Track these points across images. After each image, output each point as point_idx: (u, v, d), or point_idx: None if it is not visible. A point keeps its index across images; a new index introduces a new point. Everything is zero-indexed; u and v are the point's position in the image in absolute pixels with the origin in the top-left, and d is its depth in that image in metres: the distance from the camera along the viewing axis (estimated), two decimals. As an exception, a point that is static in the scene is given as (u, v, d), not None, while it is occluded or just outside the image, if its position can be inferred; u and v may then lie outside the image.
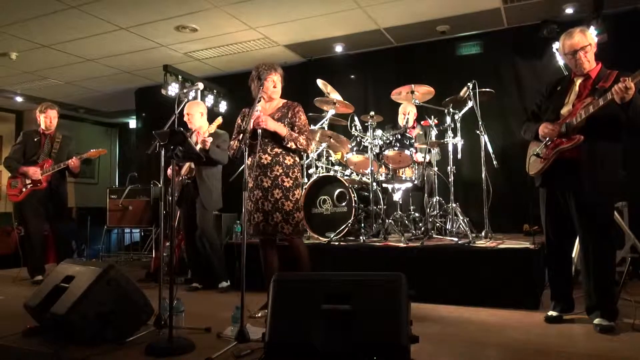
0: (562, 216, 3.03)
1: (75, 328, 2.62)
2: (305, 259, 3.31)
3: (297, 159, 3.33)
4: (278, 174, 3.21)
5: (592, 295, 2.90)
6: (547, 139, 2.98)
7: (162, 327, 2.83)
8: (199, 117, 4.40)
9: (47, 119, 5.01)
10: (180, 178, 4.27)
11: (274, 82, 3.27)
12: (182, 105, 3.96)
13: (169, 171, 4.14)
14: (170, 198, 3.03)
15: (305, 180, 4.79)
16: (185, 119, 4.34)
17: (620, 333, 2.77)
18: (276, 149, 3.23)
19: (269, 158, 3.23)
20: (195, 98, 6.18)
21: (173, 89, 5.96)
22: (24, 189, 4.88)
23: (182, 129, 2.78)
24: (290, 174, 3.24)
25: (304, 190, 4.62)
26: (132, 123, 9.81)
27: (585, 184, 2.83)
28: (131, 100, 8.22)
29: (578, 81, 3.00)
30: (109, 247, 7.55)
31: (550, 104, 3.08)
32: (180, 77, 6.17)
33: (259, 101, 3.11)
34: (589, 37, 2.94)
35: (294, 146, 3.20)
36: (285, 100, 3.40)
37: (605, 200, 2.88)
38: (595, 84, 2.87)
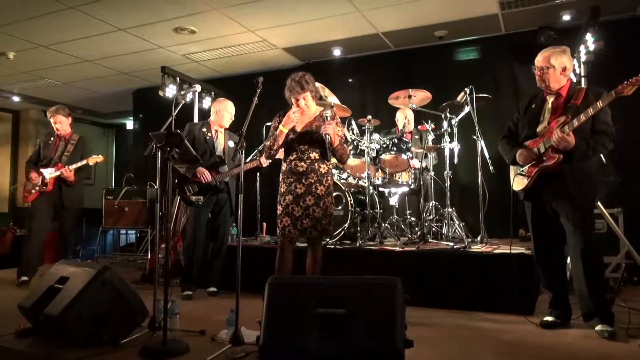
0: (550, 224, 3.12)
1: (69, 329, 2.61)
2: (319, 264, 3.35)
3: (330, 166, 3.35)
4: (312, 181, 3.23)
5: (587, 301, 2.94)
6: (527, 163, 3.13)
7: (157, 329, 2.83)
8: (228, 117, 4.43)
9: (57, 123, 4.99)
10: (216, 182, 4.24)
11: (305, 100, 3.27)
12: (178, 107, 3.98)
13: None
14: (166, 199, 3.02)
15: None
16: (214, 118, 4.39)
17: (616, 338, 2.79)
18: (312, 157, 3.26)
19: (305, 166, 3.25)
20: (192, 100, 6.19)
21: (171, 91, 5.96)
22: (33, 191, 4.89)
23: (178, 130, 2.78)
24: (324, 181, 3.26)
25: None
26: (129, 124, 9.80)
27: (567, 195, 2.94)
28: (128, 102, 8.22)
29: (550, 99, 3.11)
30: (104, 248, 7.53)
31: (526, 122, 3.20)
32: (178, 78, 6.16)
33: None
34: (555, 59, 3.02)
35: (338, 154, 3.29)
36: (323, 108, 3.42)
37: (588, 207, 3.00)
38: (567, 101, 3.00)
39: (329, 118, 3.21)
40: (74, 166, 4.89)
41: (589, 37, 4.63)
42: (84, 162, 4.95)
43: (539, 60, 3.08)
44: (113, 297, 2.74)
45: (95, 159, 5.04)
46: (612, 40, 4.70)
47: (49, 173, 4.86)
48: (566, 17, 5.16)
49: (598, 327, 2.86)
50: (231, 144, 4.41)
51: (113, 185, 9.49)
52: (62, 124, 5.00)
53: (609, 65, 4.53)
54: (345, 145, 3.35)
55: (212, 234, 4.38)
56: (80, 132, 5.36)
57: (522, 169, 3.15)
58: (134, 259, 6.99)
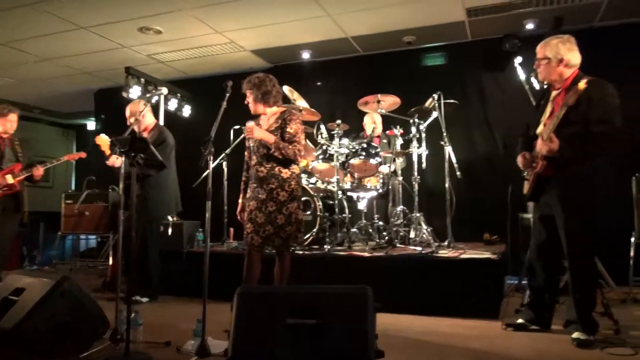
0: (549, 229, 3.01)
1: (25, 344, 2.47)
2: (288, 274, 3.27)
3: (294, 171, 3.26)
4: (274, 187, 3.16)
5: (572, 308, 2.89)
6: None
7: (119, 342, 2.72)
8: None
9: (9, 122, 4.71)
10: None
11: (247, 99, 3.28)
12: (144, 109, 3.86)
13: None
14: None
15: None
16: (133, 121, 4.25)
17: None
18: (272, 162, 3.19)
19: (265, 171, 3.19)
20: (158, 102, 6.04)
21: (135, 92, 5.78)
22: None
23: (144, 135, 2.69)
24: (286, 187, 3.18)
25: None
26: (91, 125, 9.50)
27: (559, 200, 2.86)
28: (90, 102, 7.95)
29: (553, 94, 2.97)
30: (62, 254, 7.25)
31: (535, 120, 3.04)
32: (142, 79, 5.99)
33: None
34: (550, 50, 2.88)
35: (280, 155, 3.15)
36: (285, 108, 3.36)
37: (581, 215, 2.82)
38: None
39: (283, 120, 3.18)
40: (47, 166, 4.67)
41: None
42: (63, 159, 4.73)
43: (537, 51, 2.92)
44: (73, 309, 2.61)
45: (73, 156, 4.82)
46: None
47: (14, 176, 4.59)
48: (530, 26, 5.29)
49: (575, 335, 2.82)
50: None
51: (73, 188, 9.16)
52: (13, 124, 4.73)
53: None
54: (284, 145, 3.14)
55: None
56: (39, 133, 5.15)
57: (525, 174, 3.09)
58: (95, 265, 6.75)
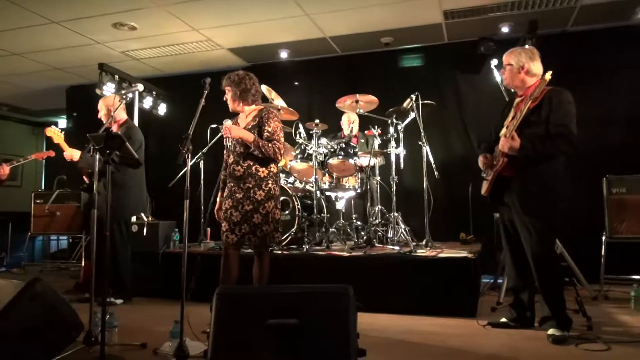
0: (514, 229, 3.10)
1: (-6, 348, 2.38)
2: (267, 274, 3.22)
3: (272, 170, 3.21)
4: (250, 186, 3.11)
5: (544, 305, 2.98)
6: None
7: (93, 344, 2.64)
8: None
9: None
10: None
11: (225, 95, 3.25)
12: (119, 106, 3.77)
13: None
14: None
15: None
16: (104, 117, 4.16)
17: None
18: (249, 161, 3.14)
19: (242, 170, 3.13)
20: (132, 100, 5.92)
21: (109, 89, 5.66)
22: None
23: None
24: (263, 186, 3.13)
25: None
26: (62, 123, 9.24)
27: (519, 201, 2.96)
28: (62, 99, 7.73)
29: (516, 101, 3.12)
30: (32, 256, 7.04)
31: (498, 125, 3.18)
32: (116, 76, 5.87)
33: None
34: (513, 57, 3.05)
35: (260, 154, 3.10)
36: (263, 107, 3.32)
37: (541, 213, 2.92)
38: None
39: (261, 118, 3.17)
40: (13, 164, 4.51)
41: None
42: (30, 158, 4.57)
43: (503, 59, 3.09)
44: (45, 312, 2.51)
45: (41, 155, 4.66)
46: (547, 53, 4.94)
47: None
48: (505, 29, 5.39)
49: (550, 331, 2.89)
50: None
51: (43, 187, 8.91)
52: None
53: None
54: (264, 143, 3.09)
55: None
56: (7, 131, 4.96)
57: (484, 174, 3.19)
58: (66, 266, 6.57)
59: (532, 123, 2.89)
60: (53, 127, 3.88)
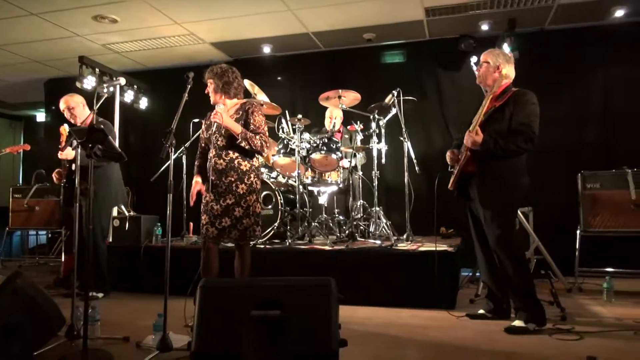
0: (480, 221, 3.20)
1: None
2: (248, 267, 3.22)
3: (254, 164, 3.21)
4: (233, 179, 3.10)
5: (513, 297, 3.10)
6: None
7: (75, 338, 2.65)
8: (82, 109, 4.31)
9: None
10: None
11: (207, 88, 3.23)
12: (100, 101, 3.74)
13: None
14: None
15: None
16: (67, 115, 4.19)
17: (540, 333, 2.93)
18: (231, 154, 3.13)
19: (224, 163, 3.12)
20: (113, 94, 5.86)
21: (89, 82, 5.59)
22: None
23: (102, 126, 2.61)
24: (245, 180, 3.13)
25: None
26: (40, 116, 9.09)
27: (478, 194, 3.09)
28: (40, 92, 7.61)
29: (484, 101, 3.19)
30: (10, 251, 6.93)
31: (468, 121, 3.26)
32: (97, 69, 5.79)
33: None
34: (492, 56, 3.17)
35: (247, 146, 3.08)
36: (246, 100, 3.31)
37: (500, 207, 3.02)
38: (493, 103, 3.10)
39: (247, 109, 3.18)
40: None
41: (506, 47, 4.95)
42: (5, 151, 4.49)
43: (481, 57, 3.21)
44: (26, 306, 2.50)
45: (15, 148, 4.59)
46: (525, 51, 5.06)
47: None
48: (484, 27, 5.47)
49: (515, 322, 3.00)
50: None
51: (20, 182, 8.76)
52: None
53: (524, 75, 4.87)
54: (251, 136, 3.08)
55: None
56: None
57: (451, 169, 3.30)
58: (45, 261, 6.49)
59: (496, 120, 3.02)
60: (66, 125, 3.87)
